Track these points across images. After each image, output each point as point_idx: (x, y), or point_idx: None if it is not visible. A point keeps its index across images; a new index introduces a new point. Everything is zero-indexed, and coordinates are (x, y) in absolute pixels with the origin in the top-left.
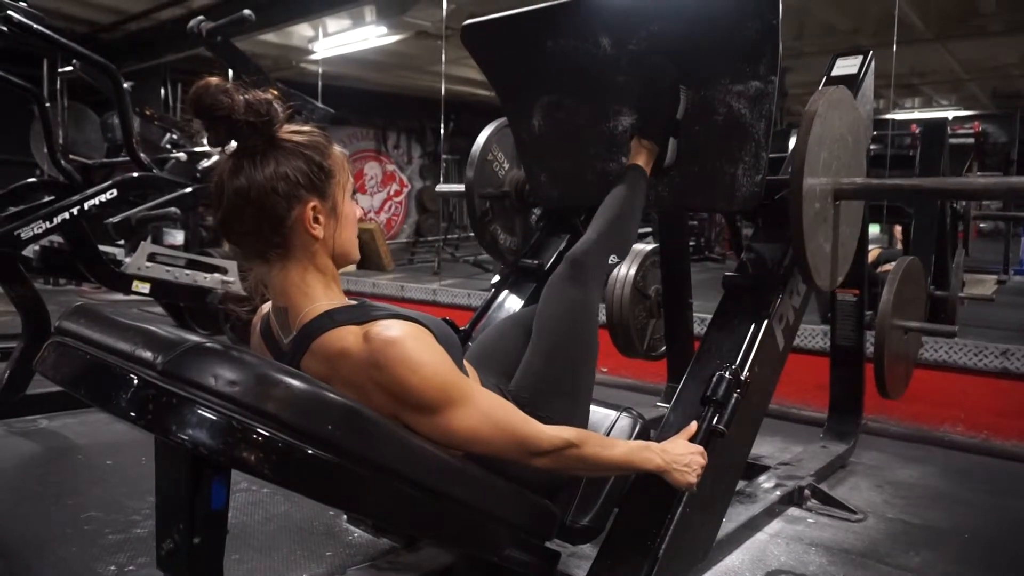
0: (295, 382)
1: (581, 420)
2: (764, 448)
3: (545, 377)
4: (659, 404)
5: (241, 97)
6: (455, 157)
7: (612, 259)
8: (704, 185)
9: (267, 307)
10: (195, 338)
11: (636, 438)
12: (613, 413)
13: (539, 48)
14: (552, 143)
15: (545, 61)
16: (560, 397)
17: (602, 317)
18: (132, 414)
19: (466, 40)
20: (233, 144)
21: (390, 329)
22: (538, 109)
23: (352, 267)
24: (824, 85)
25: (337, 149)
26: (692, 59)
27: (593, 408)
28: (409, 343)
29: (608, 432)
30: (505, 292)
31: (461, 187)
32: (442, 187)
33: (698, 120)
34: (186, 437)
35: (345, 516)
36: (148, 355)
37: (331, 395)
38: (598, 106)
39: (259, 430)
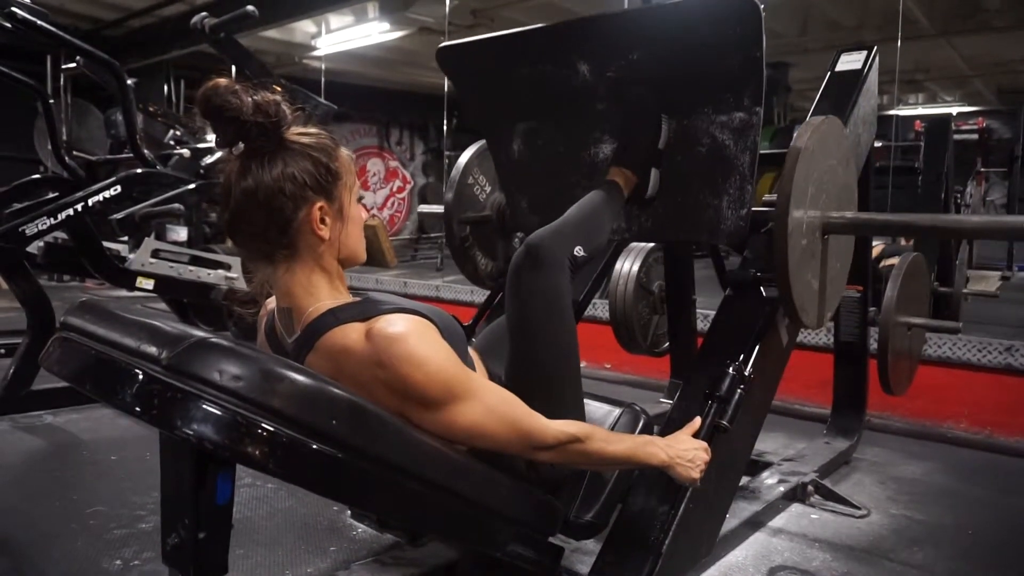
0: (300, 377)
1: (570, 412)
2: (767, 444)
3: (518, 373)
4: (662, 400)
5: (250, 98)
6: (458, 154)
7: (578, 251)
8: (687, 217)
9: (272, 304)
10: (200, 333)
11: (639, 434)
12: (616, 409)
13: (516, 73)
14: (532, 169)
15: (522, 87)
16: (536, 393)
17: (605, 313)
18: (137, 409)
19: (442, 63)
20: (241, 145)
21: (393, 325)
22: (517, 134)
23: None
24: (828, 80)
25: (344, 151)
26: (674, 88)
27: (596, 404)
28: (412, 339)
29: (611, 428)
30: None
31: (442, 208)
32: (424, 208)
33: (681, 150)
34: (191, 432)
35: (349, 511)
36: (153, 350)
37: (336, 390)
38: (578, 133)
39: (264, 425)
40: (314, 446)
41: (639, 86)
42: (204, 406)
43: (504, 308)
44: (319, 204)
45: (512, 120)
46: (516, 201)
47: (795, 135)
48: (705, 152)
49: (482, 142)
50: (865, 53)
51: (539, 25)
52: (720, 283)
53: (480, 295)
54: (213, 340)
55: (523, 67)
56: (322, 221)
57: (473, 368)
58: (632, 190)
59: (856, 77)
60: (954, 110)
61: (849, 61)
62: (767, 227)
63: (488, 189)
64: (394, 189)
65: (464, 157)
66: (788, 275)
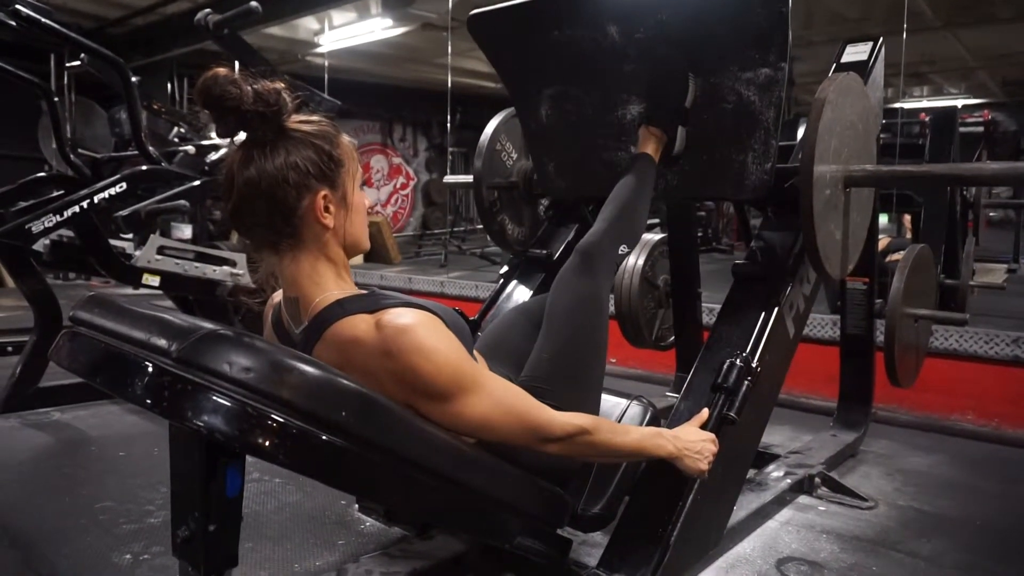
0: (309, 369)
1: (592, 409)
2: (774, 437)
3: (555, 367)
4: (668, 394)
5: (249, 87)
6: (462, 150)
7: (622, 249)
8: (713, 174)
9: (278, 296)
10: (209, 325)
11: (647, 426)
12: (624, 401)
13: (545, 38)
14: (560, 133)
15: (552, 51)
16: (570, 387)
17: (611, 308)
18: (148, 401)
19: (472, 30)
20: (242, 135)
21: (402, 317)
22: (545, 99)
23: (359, 259)
24: (834, 71)
25: (346, 138)
26: (700, 47)
27: (604, 397)
28: (421, 331)
29: (619, 420)
30: (514, 282)
31: (469, 178)
32: (450, 178)
33: (707, 108)
34: (202, 423)
35: (356, 505)
36: (163, 343)
37: (345, 382)
38: (606, 96)
39: (274, 416)
40: (324, 437)
41: (667, 46)
42: (214, 398)
43: (510, 303)
44: (323, 192)
45: (541, 85)
46: (544, 165)
47: (819, 88)
48: (731, 109)
49: (508, 110)
50: (871, 44)
51: None
52: (744, 240)
53: (485, 290)
54: (223, 332)
55: (553, 31)
56: (326, 209)
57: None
58: (661, 149)
59: (862, 68)
60: (959, 102)
61: (855, 52)
62: (790, 182)
63: (515, 156)
64: (397, 186)
65: (492, 124)
66: (813, 225)
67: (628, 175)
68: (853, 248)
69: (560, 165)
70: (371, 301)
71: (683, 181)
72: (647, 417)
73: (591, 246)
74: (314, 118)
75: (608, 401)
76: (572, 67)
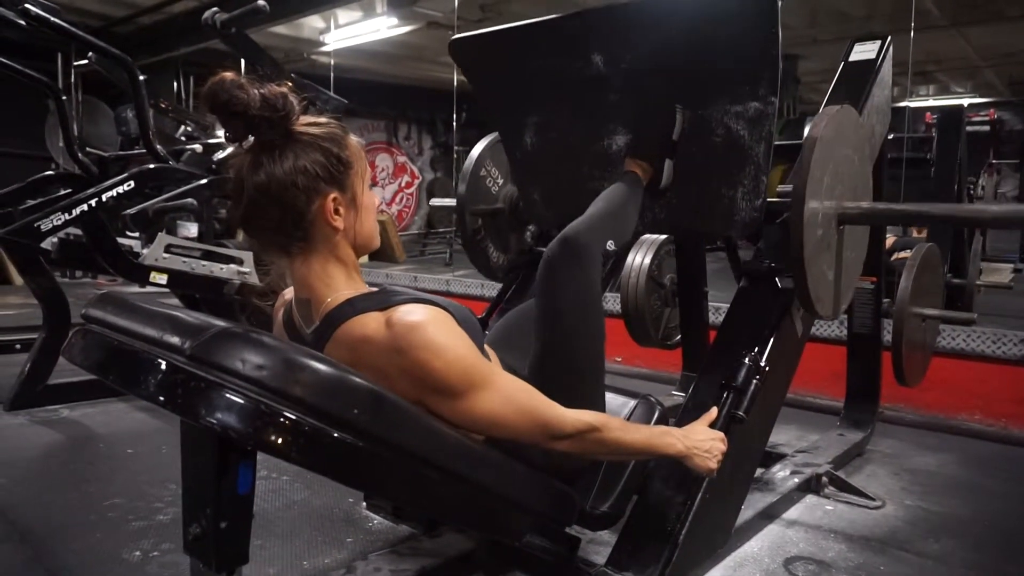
0: (322, 366)
1: (596, 407)
2: (781, 436)
3: (552, 368)
4: (674, 393)
5: (256, 92)
6: (467, 149)
7: (609, 245)
8: (702, 208)
9: (288, 294)
10: (222, 323)
11: (655, 425)
12: (632, 400)
13: (529, 65)
14: (545, 161)
15: (535, 79)
16: (570, 387)
17: (617, 306)
18: (161, 398)
19: (454, 55)
20: (251, 139)
21: (412, 314)
22: (530, 127)
23: (364, 258)
24: (841, 71)
25: (353, 139)
26: (688, 78)
27: (611, 396)
28: (431, 327)
29: (627, 419)
30: (521, 280)
31: (454, 201)
32: (436, 201)
33: (695, 141)
34: (215, 421)
35: (364, 503)
36: (176, 340)
37: (357, 379)
38: (591, 125)
39: (286, 414)
40: (335, 434)
41: (653, 77)
42: (227, 395)
43: (517, 300)
44: (332, 195)
45: (525, 112)
46: (529, 193)
47: (811, 124)
48: (720, 143)
49: (495, 134)
50: (879, 43)
51: (552, 16)
52: (735, 275)
53: (491, 289)
54: (236, 330)
55: (536, 59)
56: (336, 211)
57: (489, 360)
58: (647, 181)
59: (870, 67)
60: (965, 101)
61: (863, 51)
62: (782, 218)
63: (500, 182)
64: (402, 184)
65: (476, 149)
66: (804, 266)
67: (617, 183)
68: (847, 287)
69: (546, 193)
70: (381, 299)
71: (671, 215)
72: (655, 416)
73: (575, 233)
74: (322, 120)
75: (616, 400)
76: (556, 95)
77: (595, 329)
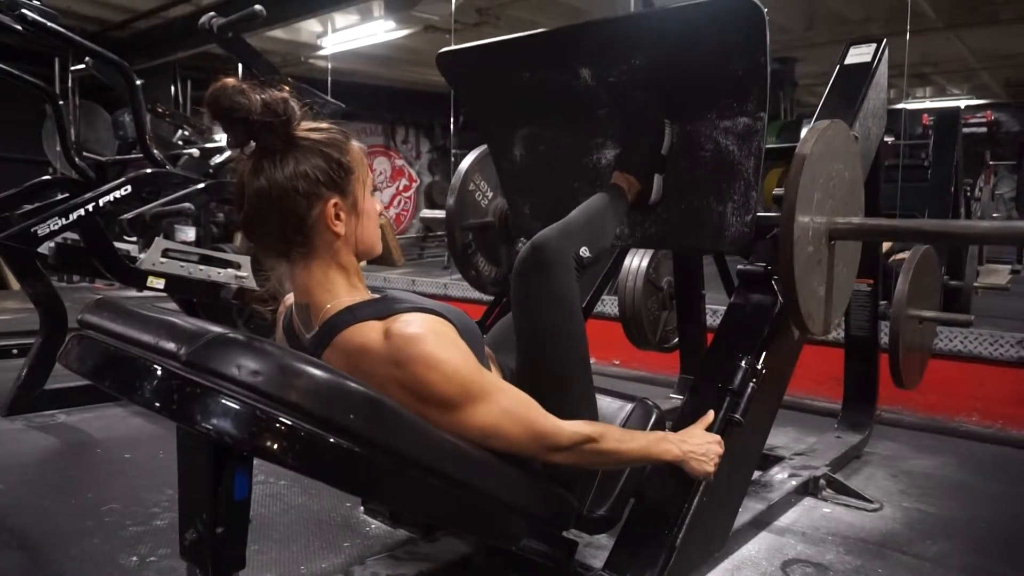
0: (318, 372)
1: (582, 407)
2: (778, 439)
3: (529, 373)
4: (672, 396)
5: (258, 97)
6: (464, 152)
7: (583, 251)
8: (692, 223)
9: (291, 299)
10: (218, 329)
11: (652, 428)
12: (628, 404)
13: (517, 78)
14: (534, 175)
15: (524, 92)
16: (550, 391)
17: (614, 310)
18: (157, 404)
19: (442, 68)
20: (252, 144)
21: (411, 325)
22: (519, 140)
23: (363, 262)
24: (837, 73)
25: (355, 144)
26: (677, 93)
27: (608, 399)
28: (430, 340)
29: (624, 423)
30: None
31: (443, 214)
32: (427, 213)
33: (684, 156)
34: (211, 427)
35: (362, 507)
36: (172, 346)
37: (353, 385)
38: (580, 139)
39: (282, 419)
40: (332, 440)
41: (641, 91)
42: (223, 401)
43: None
44: (333, 200)
45: (514, 125)
46: (519, 207)
47: (800, 140)
48: (709, 158)
49: (483, 147)
50: (874, 46)
51: (540, 30)
52: (725, 290)
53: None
54: (231, 335)
55: (524, 72)
56: (337, 217)
57: (489, 367)
58: (636, 196)
59: (865, 70)
60: (962, 103)
61: (858, 54)
62: (772, 232)
63: (490, 195)
64: (400, 188)
65: (465, 163)
66: (794, 282)
67: (599, 193)
68: (838, 302)
69: (535, 207)
70: (382, 307)
71: (660, 229)
72: (652, 419)
73: (543, 239)
74: (323, 125)
75: (613, 403)
76: (544, 109)
77: (573, 332)
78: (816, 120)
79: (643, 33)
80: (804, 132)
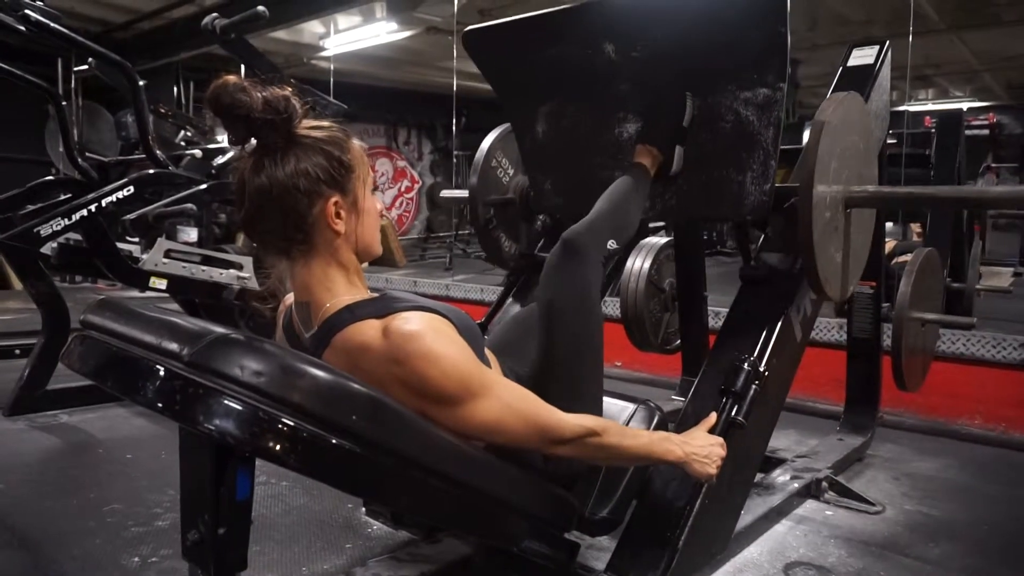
0: (320, 372)
1: (594, 411)
2: (780, 441)
3: (550, 371)
4: (674, 398)
5: (259, 95)
6: (467, 153)
7: (611, 244)
8: (711, 194)
9: (290, 299)
10: (220, 329)
11: (655, 430)
12: (631, 405)
13: (541, 55)
14: (556, 151)
15: (547, 68)
16: (568, 390)
17: (617, 311)
18: (159, 404)
19: (468, 46)
20: (253, 142)
21: (409, 323)
22: (541, 116)
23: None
24: (840, 75)
25: (356, 143)
26: (698, 66)
27: (611, 400)
28: (429, 336)
29: (626, 424)
30: (521, 284)
31: (466, 193)
32: (447, 193)
33: (705, 127)
34: (213, 427)
35: (364, 509)
36: (174, 346)
37: (355, 385)
38: (602, 114)
39: (284, 420)
40: (334, 441)
41: (664, 65)
42: (225, 401)
43: (517, 305)
44: (333, 199)
45: (537, 102)
46: (540, 183)
47: (819, 109)
48: (729, 128)
49: (505, 126)
50: (877, 47)
51: (564, 6)
52: (744, 261)
53: (491, 293)
54: (234, 336)
55: (548, 49)
56: (337, 215)
57: (489, 366)
58: (656, 169)
59: (868, 71)
60: (964, 105)
61: (861, 55)
62: (789, 202)
63: (511, 172)
64: (402, 189)
65: (487, 141)
66: (812, 248)
67: (623, 177)
68: (854, 269)
69: (557, 183)
70: (381, 305)
71: (681, 200)
72: (654, 421)
73: (575, 235)
74: (324, 124)
75: (615, 405)
76: (568, 85)
77: (591, 330)
78: None
79: (667, 7)
80: (806, 135)
